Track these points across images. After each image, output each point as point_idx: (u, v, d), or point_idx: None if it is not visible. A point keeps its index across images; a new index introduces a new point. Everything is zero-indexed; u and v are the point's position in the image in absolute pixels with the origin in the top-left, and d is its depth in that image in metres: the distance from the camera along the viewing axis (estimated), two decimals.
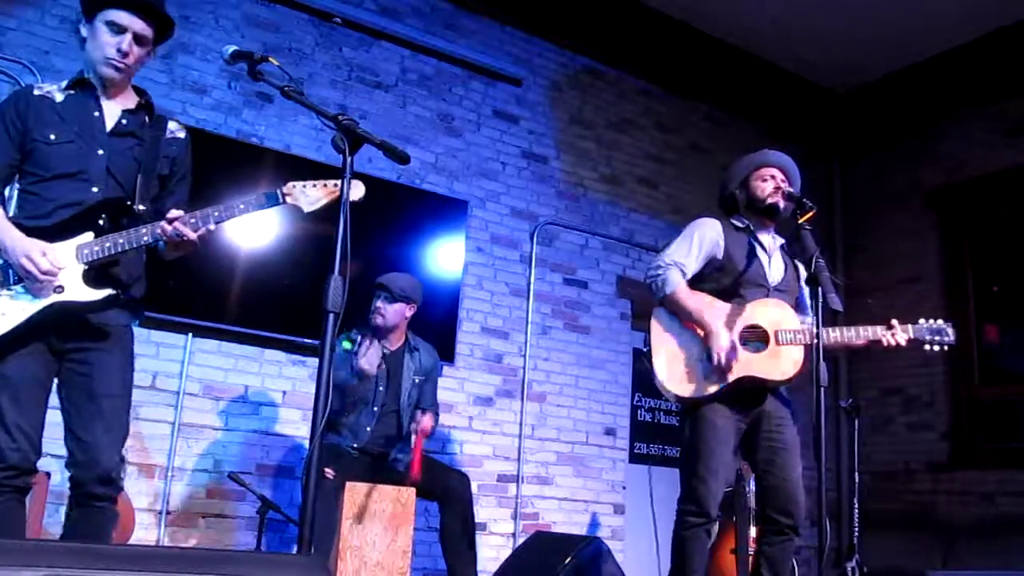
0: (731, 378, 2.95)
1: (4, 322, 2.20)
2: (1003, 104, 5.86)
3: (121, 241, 2.28)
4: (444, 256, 4.85)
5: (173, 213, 2.29)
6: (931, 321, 3.15)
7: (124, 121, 2.42)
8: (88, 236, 2.28)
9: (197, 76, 4.35)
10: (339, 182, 2.18)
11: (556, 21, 5.55)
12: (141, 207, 2.37)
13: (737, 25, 5.72)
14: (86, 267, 2.27)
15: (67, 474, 2.32)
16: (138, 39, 2.37)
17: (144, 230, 2.29)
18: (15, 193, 2.35)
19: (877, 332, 3.08)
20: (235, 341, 4.23)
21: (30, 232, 2.23)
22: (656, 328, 3.09)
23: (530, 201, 5.35)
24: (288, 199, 2.33)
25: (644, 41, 5.78)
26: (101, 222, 2.30)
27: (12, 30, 3.94)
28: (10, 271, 2.22)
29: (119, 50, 2.34)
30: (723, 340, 2.93)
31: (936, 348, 3.15)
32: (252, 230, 4.25)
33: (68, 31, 4.06)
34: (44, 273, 2.20)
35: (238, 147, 4.36)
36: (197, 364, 4.14)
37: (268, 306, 4.25)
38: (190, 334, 4.11)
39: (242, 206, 2.34)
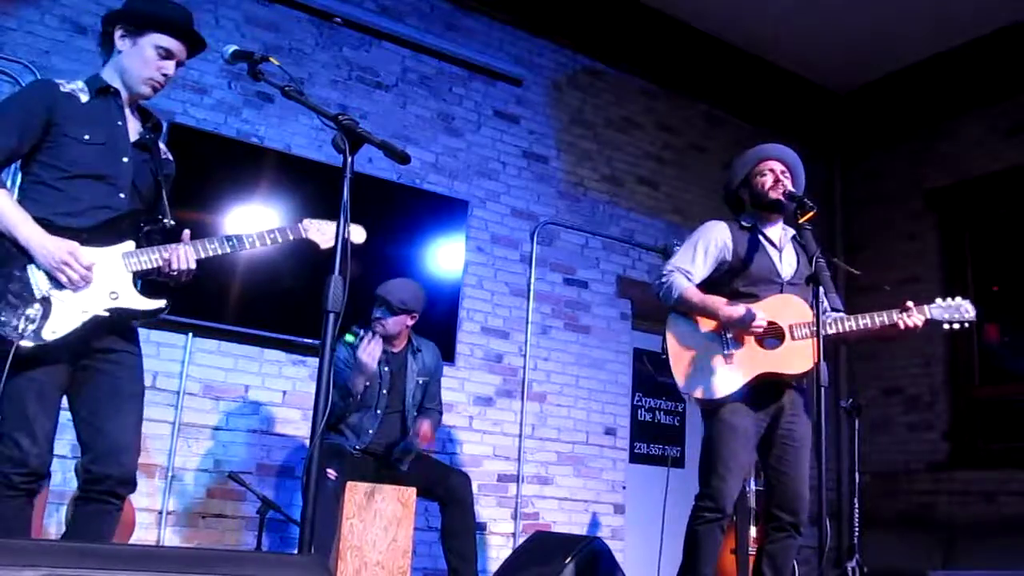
0: (751, 376, 2.96)
1: (62, 324, 2.20)
2: (1003, 104, 5.86)
3: (167, 256, 2.35)
4: (444, 256, 4.85)
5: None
6: (948, 300, 3.07)
7: (147, 136, 2.49)
8: (130, 244, 2.34)
9: (197, 76, 4.34)
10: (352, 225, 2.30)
11: (556, 21, 5.55)
12: (172, 222, 2.46)
13: (737, 25, 5.72)
14: (133, 275, 2.33)
15: (71, 471, 2.33)
16: (177, 63, 2.46)
17: (188, 247, 2.37)
18: (27, 184, 2.32)
19: (893, 316, 3.01)
20: (235, 341, 4.23)
21: (65, 231, 2.24)
22: (671, 335, 3.10)
23: (530, 201, 5.35)
24: (307, 233, 2.51)
25: (644, 41, 5.78)
26: (142, 233, 2.37)
27: (12, 30, 3.94)
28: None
29: (165, 75, 2.43)
30: (744, 313, 2.92)
31: (956, 327, 3.06)
32: (252, 230, 4.25)
33: (68, 31, 4.06)
34: (82, 278, 2.22)
35: (238, 147, 4.36)
36: (197, 364, 4.13)
37: (268, 306, 4.25)
38: (190, 334, 4.11)
39: (269, 239, 2.48)
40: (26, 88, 2.43)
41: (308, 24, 4.72)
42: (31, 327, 2.15)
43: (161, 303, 2.38)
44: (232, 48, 2.27)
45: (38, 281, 2.20)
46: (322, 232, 2.54)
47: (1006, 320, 5.79)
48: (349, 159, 2.09)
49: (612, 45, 5.76)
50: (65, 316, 2.21)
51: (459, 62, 5.17)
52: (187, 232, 2.43)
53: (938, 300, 3.08)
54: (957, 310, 3.07)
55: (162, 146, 2.58)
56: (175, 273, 2.38)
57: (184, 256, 2.36)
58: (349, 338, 3.65)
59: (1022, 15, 5.36)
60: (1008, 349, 5.79)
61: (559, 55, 5.64)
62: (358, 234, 2.59)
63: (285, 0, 4.63)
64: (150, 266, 2.34)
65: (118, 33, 2.40)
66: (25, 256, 2.19)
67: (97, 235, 2.29)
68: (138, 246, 2.36)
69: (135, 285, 2.34)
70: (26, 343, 2.14)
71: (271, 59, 2.20)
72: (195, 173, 4.10)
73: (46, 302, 2.19)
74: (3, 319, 2.14)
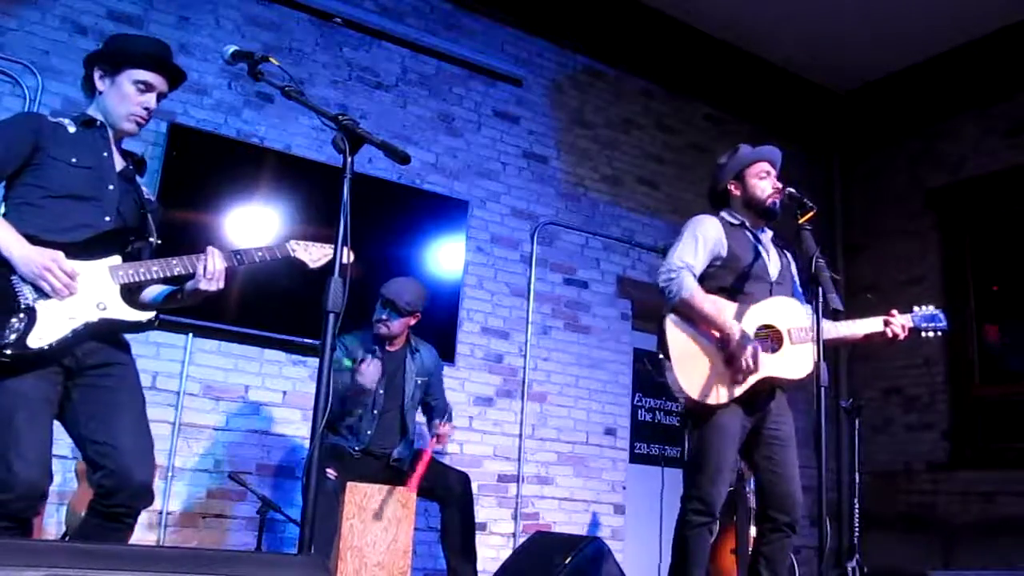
0: (752, 381, 2.94)
1: (49, 333, 2.18)
2: (1003, 104, 5.86)
3: (155, 268, 2.35)
4: (444, 256, 4.85)
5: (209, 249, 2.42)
6: (924, 308, 3.16)
7: (130, 167, 2.51)
8: (117, 259, 2.33)
9: (197, 76, 4.34)
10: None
11: (556, 21, 5.55)
12: (159, 242, 2.47)
13: (737, 25, 5.72)
14: (121, 287, 2.32)
15: (71, 471, 2.31)
16: (158, 96, 2.46)
17: (175, 261, 2.37)
18: (10, 207, 2.31)
19: (879, 323, 3.09)
20: (235, 341, 4.23)
21: (50, 246, 2.23)
22: (671, 334, 3.02)
23: (530, 201, 5.35)
24: (295, 253, 2.55)
25: (644, 41, 5.78)
26: (129, 248, 2.37)
27: (12, 30, 3.94)
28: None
29: (147, 109, 2.43)
30: (746, 345, 2.90)
31: (931, 335, 3.16)
32: (252, 230, 4.25)
33: (68, 31, 4.06)
34: (65, 285, 2.20)
35: (238, 147, 4.36)
36: (197, 364, 4.13)
37: (268, 306, 4.25)
38: (190, 334, 4.11)
39: (259, 256, 2.49)
40: (13, 116, 2.45)
41: (308, 24, 4.72)
42: (14, 336, 2.12)
43: (150, 314, 2.36)
44: (232, 48, 2.27)
45: (23, 291, 2.18)
46: (309, 253, 2.58)
47: (1006, 320, 5.79)
48: (349, 159, 2.09)
49: (612, 45, 5.76)
50: (52, 324, 2.18)
51: (459, 62, 5.17)
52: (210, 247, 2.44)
53: (916, 308, 3.15)
54: (932, 319, 3.14)
55: (145, 189, 2.59)
56: (209, 279, 2.38)
57: (214, 258, 2.38)
58: (347, 363, 3.62)
59: (1022, 15, 5.36)
60: (1008, 349, 5.79)
61: (559, 55, 5.64)
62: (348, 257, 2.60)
63: (285, 0, 4.63)
64: (138, 279, 2.33)
65: (97, 74, 2.41)
66: (7, 267, 2.17)
67: (83, 250, 2.28)
68: (126, 259, 2.35)
69: (123, 297, 2.32)
70: (10, 351, 2.11)
71: (271, 59, 2.20)
72: (195, 173, 4.11)
73: (31, 311, 2.16)
74: None
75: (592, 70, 5.78)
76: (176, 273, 2.37)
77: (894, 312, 3.11)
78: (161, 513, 3.91)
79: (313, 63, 4.70)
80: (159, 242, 2.48)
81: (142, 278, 2.34)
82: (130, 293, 2.37)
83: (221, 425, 4.16)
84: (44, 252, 2.19)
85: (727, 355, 2.94)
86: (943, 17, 5.43)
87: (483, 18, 5.33)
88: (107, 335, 2.32)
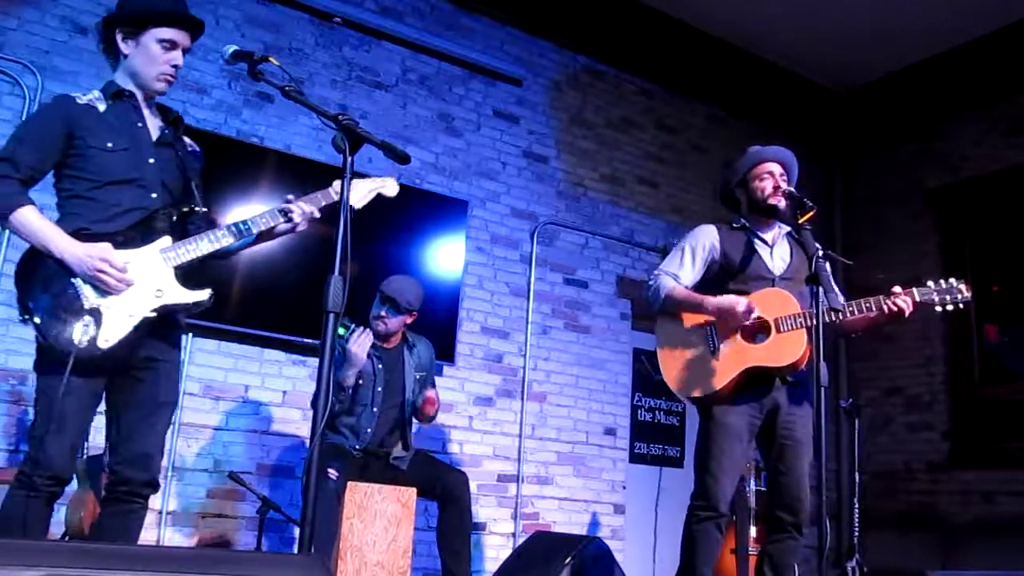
0: (738, 371, 2.97)
1: (114, 332, 2.22)
2: (1003, 104, 5.86)
3: (204, 244, 2.36)
4: (444, 256, 4.85)
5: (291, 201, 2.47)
6: (941, 282, 3.04)
7: (166, 131, 2.49)
8: (167, 240, 2.35)
9: (197, 76, 4.34)
10: (383, 179, 2.53)
11: (556, 21, 5.55)
12: (204, 209, 2.47)
13: (737, 25, 5.72)
14: (176, 270, 2.33)
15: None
16: (183, 51, 2.46)
17: (222, 232, 2.38)
18: (62, 199, 2.34)
19: (880, 301, 2.99)
20: (235, 341, 4.23)
21: (100, 238, 2.24)
22: (659, 338, 3.17)
23: (530, 201, 5.35)
24: (338, 195, 2.47)
25: (644, 41, 5.77)
26: (175, 226, 2.39)
27: (12, 30, 3.94)
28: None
29: (175, 67, 2.43)
30: (731, 302, 2.95)
31: (950, 308, 3.02)
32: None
33: (68, 31, 4.06)
34: (120, 280, 2.23)
35: (238, 147, 4.36)
36: (197, 364, 4.14)
37: (268, 306, 4.25)
38: (190, 334, 4.11)
39: (307, 206, 2.48)
40: (44, 106, 2.48)
41: (308, 24, 4.72)
42: (87, 340, 2.17)
43: (206, 294, 2.38)
44: (232, 48, 2.28)
45: (85, 293, 2.21)
46: (355, 191, 2.51)
47: (1006, 320, 5.79)
48: (349, 159, 2.09)
49: (612, 45, 5.76)
50: (115, 323, 2.23)
51: (459, 62, 5.17)
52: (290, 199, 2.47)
53: (929, 283, 3.05)
54: (949, 291, 3.02)
55: (187, 139, 2.58)
56: (297, 221, 2.45)
57: (304, 208, 2.44)
58: (340, 331, 3.63)
59: (1022, 15, 5.36)
60: (1008, 349, 5.79)
61: (559, 55, 5.64)
62: (392, 188, 2.63)
63: (285, 0, 4.63)
64: (189, 258, 2.34)
65: (119, 37, 2.40)
66: (66, 269, 2.20)
67: (132, 236, 2.30)
68: (175, 240, 2.36)
69: (177, 279, 2.34)
70: (84, 355, 2.16)
71: (271, 59, 2.21)
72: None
73: (96, 312, 2.21)
74: (57, 333, 2.16)
75: (592, 70, 5.78)
76: (224, 245, 2.39)
77: (896, 288, 3.01)
78: (161, 513, 3.91)
79: (313, 63, 4.70)
80: (204, 210, 2.47)
81: (192, 256, 2.35)
82: (184, 273, 2.37)
83: (221, 425, 4.16)
84: (92, 250, 2.21)
85: (718, 325, 3.01)
86: (943, 17, 5.43)
87: (483, 18, 5.33)
88: (164, 325, 2.35)
